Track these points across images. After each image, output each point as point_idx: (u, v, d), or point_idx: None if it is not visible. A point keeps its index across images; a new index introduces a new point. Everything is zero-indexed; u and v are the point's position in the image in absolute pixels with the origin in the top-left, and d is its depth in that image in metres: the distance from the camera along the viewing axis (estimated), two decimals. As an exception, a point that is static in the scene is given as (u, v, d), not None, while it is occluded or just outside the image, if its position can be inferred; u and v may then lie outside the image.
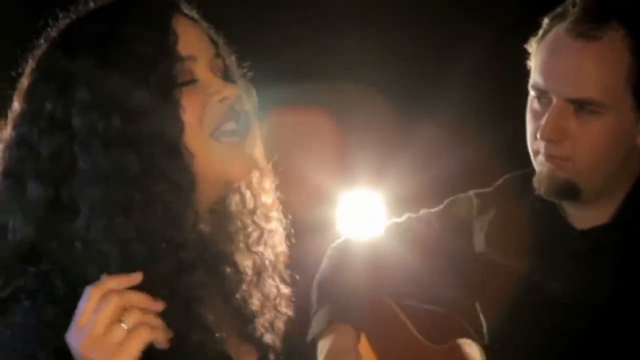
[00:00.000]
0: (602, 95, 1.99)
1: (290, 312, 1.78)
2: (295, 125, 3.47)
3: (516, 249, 2.16)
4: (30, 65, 1.59)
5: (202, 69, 1.58)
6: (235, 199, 1.71)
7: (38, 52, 1.59)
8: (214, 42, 1.65)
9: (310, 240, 3.37)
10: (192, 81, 1.56)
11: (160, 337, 1.42)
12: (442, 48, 2.56)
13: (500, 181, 2.28)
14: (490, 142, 2.79)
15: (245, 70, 1.73)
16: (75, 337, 1.39)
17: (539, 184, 2.07)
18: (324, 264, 2.30)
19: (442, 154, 3.15)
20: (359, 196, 3.56)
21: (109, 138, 1.50)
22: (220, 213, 1.70)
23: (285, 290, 1.77)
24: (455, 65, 3.16)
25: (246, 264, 1.72)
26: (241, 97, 1.62)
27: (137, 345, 1.39)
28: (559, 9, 2.06)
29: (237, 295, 1.71)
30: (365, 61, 3.42)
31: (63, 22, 1.60)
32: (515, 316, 2.13)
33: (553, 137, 2.01)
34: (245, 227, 1.72)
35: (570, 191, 2.05)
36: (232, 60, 1.69)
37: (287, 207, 1.78)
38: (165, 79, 1.53)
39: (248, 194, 1.72)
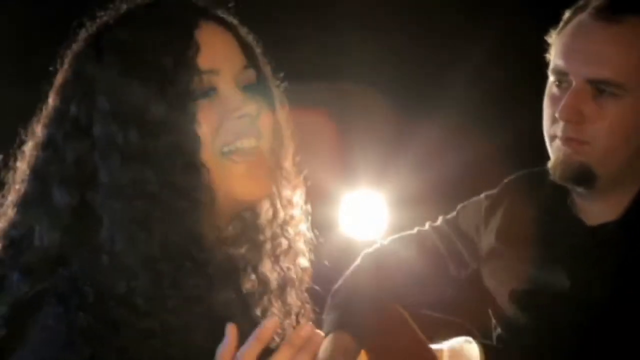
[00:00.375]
0: (621, 76, 2.00)
1: None
2: (297, 126, 3.47)
3: (525, 245, 2.16)
4: (65, 62, 1.57)
5: (224, 82, 1.54)
6: (265, 207, 1.68)
7: (74, 50, 1.57)
8: (246, 51, 1.61)
9: (312, 241, 3.37)
10: (211, 95, 1.53)
11: None
12: (444, 48, 2.56)
13: (508, 179, 2.28)
14: (492, 142, 2.79)
15: (280, 82, 1.72)
16: None
17: (554, 169, 2.07)
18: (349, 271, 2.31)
19: (444, 154, 3.14)
20: (360, 196, 3.56)
21: (127, 151, 1.48)
22: (249, 220, 1.68)
23: (308, 306, 1.76)
24: (457, 65, 3.16)
25: (272, 275, 1.70)
26: (265, 113, 1.58)
27: None
28: (581, 2, 2.09)
29: (259, 308, 1.69)
30: (366, 61, 3.42)
31: (100, 21, 1.58)
32: (524, 313, 2.13)
33: (572, 117, 2.01)
34: (274, 237, 1.69)
35: (585, 176, 2.05)
36: (266, 70, 1.66)
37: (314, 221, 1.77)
38: (183, 92, 1.50)
39: (278, 204, 1.69)
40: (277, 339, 1.65)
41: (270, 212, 1.68)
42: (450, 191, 2.26)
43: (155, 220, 1.47)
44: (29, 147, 1.57)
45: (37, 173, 1.54)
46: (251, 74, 1.59)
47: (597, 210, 2.11)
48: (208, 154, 1.51)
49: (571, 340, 2.06)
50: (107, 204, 1.48)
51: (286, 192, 1.69)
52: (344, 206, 3.57)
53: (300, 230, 1.73)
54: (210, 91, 1.53)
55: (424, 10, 3.17)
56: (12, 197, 1.56)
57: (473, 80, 3.23)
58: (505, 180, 2.29)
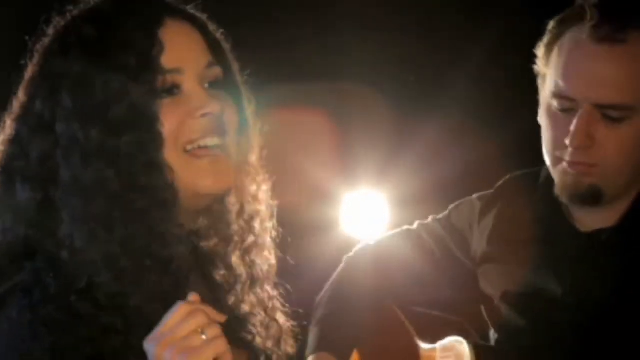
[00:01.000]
0: (630, 99, 1.97)
1: (282, 319, 1.76)
2: (298, 126, 3.47)
3: (518, 249, 2.16)
4: (34, 56, 1.57)
5: (188, 80, 1.54)
6: (232, 202, 1.68)
7: (42, 44, 1.58)
8: (213, 48, 1.61)
9: (314, 240, 3.38)
10: (175, 93, 1.53)
11: (228, 355, 1.45)
12: (444, 48, 2.56)
13: (502, 182, 2.27)
14: (493, 142, 2.79)
15: (246, 78, 1.70)
16: (153, 339, 1.42)
17: (562, 191, 2.05)
18: (334, 276, 2.29)
19: (445, 154, 3.14)
20: (362, 196, 3.56)
21: (88, 149, 1.48)
22: (218, 214, 1.68)
23: (277, 296, 1.76)
24: (457, 65, 3.16)
25: (240, 269, 1.70)
26: (229, 111, 1.58)
27: (211, 353, 1.42)
28: (568, 12, 2.03)
29: (231, 298, 1.70)
30: (367, 61, 3.41)
31: (69, 16, 1.58)
32: (518, 316, 2.13)
33: (583, 144, 1.98)
34: (242, 231, 1.70)
35: (594, 196, 2.03)
36: (234, 67, 1.65)
37: (283, 214, 1.76)
38: (146, 92, 1.50)
39: (245, 199, 1.69)
40: (249, 337, 1.69)
41: (237, 207, 1.68)
42: (451, 191, 2.26)
43: (116, 219, 1.48)
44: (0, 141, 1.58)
45: (3, 168, 1.55)
46: (217, 71, 1.59)
47: (592, 217, 2.10)
48: (171, 152, 1.52)
49: (565, 343, 2.05)
50: (68, 201, 1.49)
51: (252, 188, 1.69)
52: (345, 206, 3.57)
53: (266, 226, 1.72)
54: (173, 89, 1.53)
55: (424, 11, 3.17)
56: None
57: (473, 80, 3.23)
58: (499, 183, 2.27)
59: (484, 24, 2.82)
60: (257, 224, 1.71)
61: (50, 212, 1.50)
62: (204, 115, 1.53)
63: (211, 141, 1.55)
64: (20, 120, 1.55)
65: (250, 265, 1.71)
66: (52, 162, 1.50)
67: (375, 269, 2.25)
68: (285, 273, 2.37)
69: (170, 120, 1.52)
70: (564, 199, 2.06)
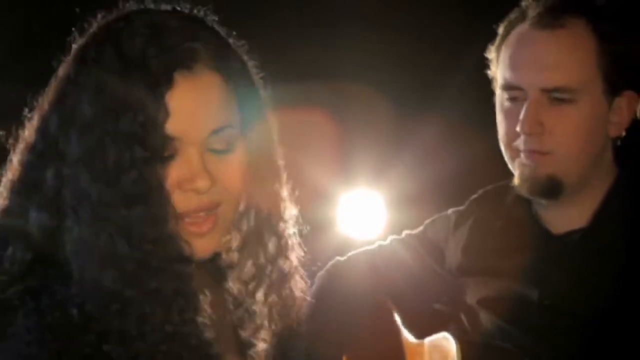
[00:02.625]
0: (574, 81, 2.02)
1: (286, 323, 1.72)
2: (294, 125, 3.46)
3: (493, 257, 2.17)
4: (55, 79, 1.53)
5: (186, 147, 1.47)
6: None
7: (60, 75, 1.52)
8: (235, 94, 1.52)
9: (310, 240, 3.37)
10: (172, 156, 1.47)
11: None
12: (443, 47, 2.56)
13: (476, 195, 2.30)
14: (491, 142, 2.78)
15: (273, 127, 1.63)
16: None
17: (520, 185, 2.08)
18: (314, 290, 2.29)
19: (442, 154, 3.14)
20: (358, 196, 3.56)
21: (99, 212, 1.43)
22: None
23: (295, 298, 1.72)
24: (456, 65, 3.15)
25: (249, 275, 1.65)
26: (229, 174, 1.51)
27: None
28: (513, 14, 2.11)
29: (242, 308, 1.66)
30: (364, 61, 3.41)
31: (90, 52, 1.50)
32: (496, 321, 2.13)
33: (534, 129, 2.02)
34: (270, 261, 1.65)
35: (553, 187, 2.05)
36: (254, 122, 1.57)
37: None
38: (151, 160, 1.44)
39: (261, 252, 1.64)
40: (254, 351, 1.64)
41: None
42: (449, 191, 2.26)
43: (130, 298, 1.43)
44: (18, 149, 1.54)
45: (18, 188, 1.51)
46: (228, 133, 1.50)
47: (563, 218, 2.11)
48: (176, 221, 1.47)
49: (543, 346, 2.05)
50: (75, 258, 1.44)
51: (273, 239, 1.63)
52: (342, 206, 3.57)
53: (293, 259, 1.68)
54: (171, 155, 1.47)
55: (422, 10, 3.17)
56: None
57: (471, 80, 3.22)
58: (472, 197, 2.29)
59: (482, 24, 2.83)
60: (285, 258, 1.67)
61: (62, 245, 1.46)
62: (191, 190, 1.47)
63: (194, 214, 1.49)
64: (41, 131, 1.51)
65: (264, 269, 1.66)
66: (63, 202, 1.46)
67: (352, 286, 2.24)
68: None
69: (169, 184, 1.47)
70: (524, 192, 2.08)
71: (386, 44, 3.35)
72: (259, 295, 1.64)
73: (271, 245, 1.63)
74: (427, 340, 2.12)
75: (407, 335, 2.14)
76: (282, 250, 1.64)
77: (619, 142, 2.13)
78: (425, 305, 2.23)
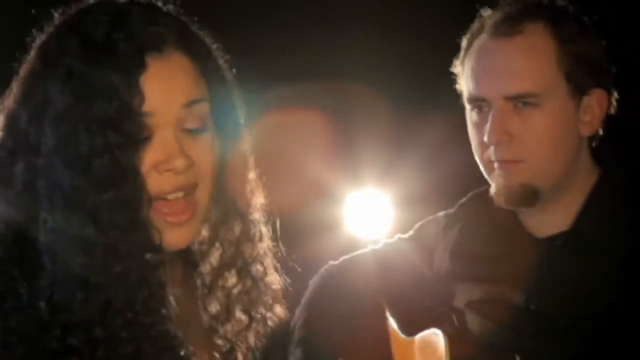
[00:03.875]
0: (536, 85, 2.01)
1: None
2: (301, 125, 3.46)
3: (479, 262, 2.17)
4: (25, 62, 1.52)
5: (160, 126, 1.47)
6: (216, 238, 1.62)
7: (29, 63, 1.51)
8: (204, 76, 1.52)
9: (317, 240, 3.37)
10: (148, 139, 1.46)
11: None
12: (449, 46, 2.54)
13: (464, 199, 2.29)
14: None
15: (238, 105, 1.61)
16: None
17: (497, 195, 2.08)
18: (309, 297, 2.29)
19: (449, 153, 3.13)
20: (365, 196, 3.55)
21: (72, 198, 1.43)
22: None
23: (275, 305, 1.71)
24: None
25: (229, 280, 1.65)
26: (204, 157, 1.51)
27: None
28: (473, 27, 2.11)
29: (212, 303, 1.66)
30: (371, 60, 3.41)
31: (57, 37, 1.50)
32: (483, 324, 2.13)
33: (500, 138, 2.02)
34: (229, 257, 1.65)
35: (529, 195, 2.05)
36: (227, 95, 1.57)
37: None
38: (127, 145, 1.43)
39: (230, 241, 1.63)
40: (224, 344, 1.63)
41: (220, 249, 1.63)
42: (455, 190, 2.26)
43: (96, 284, 1.43)
44: None
45: None
46: (199, 108, 1.51)
47: (546, 222, 2.11)
48: (150, 206, 1.47)
49: (528, 349, 2.04)
50: (48, 248, 1.44)
51: (238, 226, 1.62)
52: (349, 205, 3.56)
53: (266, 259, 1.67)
54: (145, 137, 1.46)
55: (428, 9, 3.16)
56: None
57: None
58: (460, 201, 2.29)
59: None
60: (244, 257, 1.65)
61: (29, 246, 1.45)
62: (168, 170, 1.47)
63: (173, 196, 1.49)
64: (8, 128, 1.50)
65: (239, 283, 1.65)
66: (35, 193, 1.46)
67: (345, 288, 2.26)
68: (287, 273, 2.38)
69: (144, 167, 1.46)
70: (501, 203, 2.08)
71: (392, 44, 3.35)
72: (229, 282, 1.63)
73: (237, 231, 1.62)
74: (418, 336, 2.13)
75: (399, 333, 2.15)
76: (249, 237, 1.63)
77: (595, 142, 2.12)
78: (416, 306, 2.24)
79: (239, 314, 1.64)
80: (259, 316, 1.66)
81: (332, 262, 2.33)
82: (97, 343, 1.41)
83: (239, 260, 1.63)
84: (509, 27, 2.04)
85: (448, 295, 2.22)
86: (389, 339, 2.16)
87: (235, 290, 1.63)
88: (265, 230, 1.66)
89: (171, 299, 1.52)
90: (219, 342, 1.64)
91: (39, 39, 1.51)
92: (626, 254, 2.02)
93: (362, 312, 2.19)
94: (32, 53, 1.51)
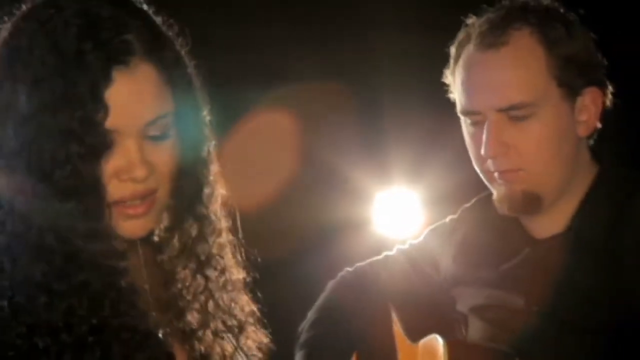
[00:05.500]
0: (529, 95, 1.98)
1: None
2: (330, 124, 3.46)
3: (481, 266, 2.16)
4: None
5: (125, 137, 1.47)
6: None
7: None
8: (171, 83, 1.51)
9: (346, 239, 3.37)
10: (110, 149, 1.46)
11: None
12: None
13: (469, 204, 2.29)
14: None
15: (208, 115, 1.61)
16: None
17: (500, 204, 2.06)
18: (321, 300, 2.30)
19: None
20: (394, 194, 3.54)
21: (32, 205, 1.43)
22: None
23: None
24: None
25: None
26: (165, 161, 1.51)
27: None
28: (461, 34, 2.09)
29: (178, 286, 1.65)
30: (402, 58, 3.40)
31: (24, 39, 1.48)
32: (484, 327, 2.12)
33: (497, 151, 2.00)
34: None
35: (531, 202, 2.03)
36: (186, 103, 1.55)
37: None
38: (91, 155, 1.43)
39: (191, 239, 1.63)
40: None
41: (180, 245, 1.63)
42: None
43: (57, 292, 1.43)
44: None
45: None
46: (165, 121, 1.50)
47: (545, 223, 2.08)
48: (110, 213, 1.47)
49: (535, 351, 2.02)
50: (6, 250, 1.44)
51: (196, 228, 1.62)
52: (378, 204, 3.55)
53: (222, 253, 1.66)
54: (110, 148, 1.46)
55: (461, 8, 3.15)
56: None
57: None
58: (466, 205, 2.29)
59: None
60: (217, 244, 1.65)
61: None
62: (128, 179, 1.48)
63: (131, 202, 1.49)
64: None
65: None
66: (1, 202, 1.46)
67: (358, 294, 2.26)
68: (317, 271, 2.37)
69: (106, 174, 1.46)
70: (504, 210, 2.06)
71: (422, 42, 3.33)
72: (186, 272, 1.63)
73: (194, 230, 1.62)
74: (421, 342, 2.13)
75: (405, 339, 2.16)
76: (205, 233, 1.63)
77: (592, 140, 2.10)
78: (424, 312, 2.24)
79: (195, 299, 1.64)
80: (218, 308, 1.65)
81: (347, 268, 2.33)
82: (63, 347, 1.41)
83: (193, 256, 1.63)
84: (494, 37, 2.01)
85: (453, 301, 2.22)
86: (396, 345, 2.16)
87: (189, 273, 1.63)
88: (225, 224, 1.66)
89: (144, 293, 1.54)
90: (188, 326, 1.64)
91: (6, 28, 1.50)
92: (623, 252, 2.00)
93: (371, 317, 2.19)
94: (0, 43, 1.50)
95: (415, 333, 2.14)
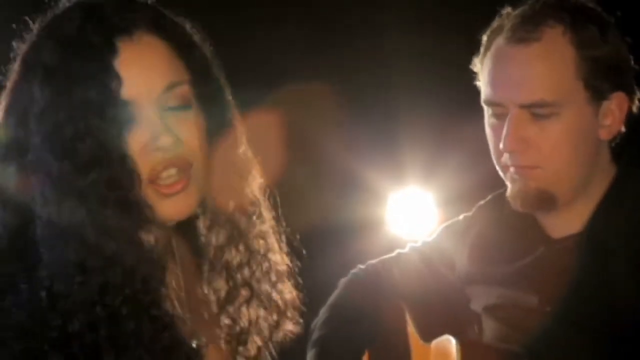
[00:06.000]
0: (553, 94, 1.97)
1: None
2: (344, 124, 3.46)
3: (495, 265, 2.15)
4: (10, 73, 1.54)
5: (143, 109, 1.48)
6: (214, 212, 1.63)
7: (14, 66, 1.53)
8: (181, 58, 1.53)
9: (360, 239, 3.36)
10: (132, 123, 1.47)
11: None
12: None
13: (483, 201, 2.27)
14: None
15: (228, 85, 1.61)
16: None
17: (513, 199, 2.05)
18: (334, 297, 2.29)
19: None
20: (408, 195, 3.54)
21: (60, 187, 1.44)
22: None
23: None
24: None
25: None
26: (192, 134, 1.51)
27: None
28: (494, 24, 2.07)
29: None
30: (415, 58, 3.39)
31: (36, 33, 1.53)
32: (498, 327, 2.11)
33: (515, 147, 1.99)
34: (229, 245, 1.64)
35: (545, 200, 2.02)
36: (208, 74, 1.57)
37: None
38: (110, 127, 1.45)
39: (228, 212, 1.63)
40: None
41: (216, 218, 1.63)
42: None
43: (91, 268, 1.43)
44: None
45: None
46: (180, 90, 1.51)
47: (562, 222, 2.07)
48: (141, 186, 1.47)
49: (547, 351, 2.02)
50: (45, 240, 1.45)
51: (237, 199, 1.62)
52: (392, 205, 3.55)
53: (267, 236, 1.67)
54: (130, 120, 1.47)
55: (472, 10, 3.15)
56: None
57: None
58: (480, 202, 2.27)
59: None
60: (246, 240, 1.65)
61: (28, 243, 1.46)
62: (156, 150, 1.48)
63: (166, 173, 1.49)
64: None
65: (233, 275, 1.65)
66: (29, 191, 1.47)
67: (371, 291, 2.25)
68: (332, 271, 2.37)
69: (134, 152, 1.47)
70: (517, 206, 2.05)
71: (437, 44, 3.33)
72: (229, 257, 1.63)
73: (231, 206, 1.62)
74: (434, 342, 2.12)
75: (418, 338, 2.16)
76: (244, 212, 1.63)
77: (614, 143, 2.08)
78: (437, 312, 2.23)
79: (241, 288, 1.64)
80: (261, 290, 1.65)
81: (360, 265, 2.32)
82: (97, 324, 1.41)
83: (235, 233, 1.63)
84: (526, 32, 1.99)
85: (467, 300, 2.21)
86: (409, 344, 2.15)
87: (234, 262, 1.63)
88: (266, 210, 1.67)
89: (173, 280, 1.54)
90: (226, 321, 1.64)
91: (20, 48, 1.54)
92: (639, 255, 1.99)
93: (383, 316, 2.18)
94: (16, 63, 1.53)
95: (428, 333, 2.14)
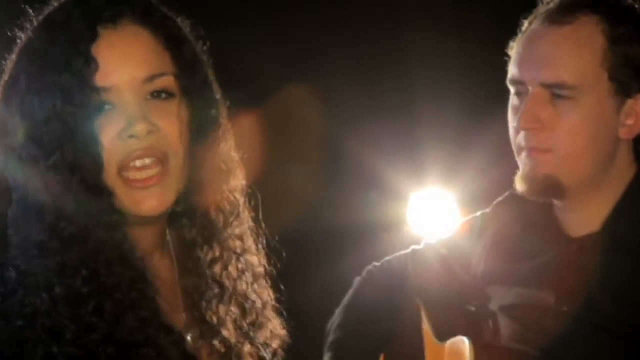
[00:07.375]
0: (575, 77, 1.96)
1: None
2: (367, 124, 3.46)
3: (513, 263, 2.13)
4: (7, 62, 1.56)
5: (119, 97, 1.48)
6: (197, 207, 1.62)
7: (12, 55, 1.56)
8: (167, 49, 1.53)
9: (381, 239, 3.37)
10: (107, 110, 1.48)
11: None
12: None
13: (500, 198, 2.25)
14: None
15: (213, 78, 1.60)
16: None
17: (520, 184, 2.03)
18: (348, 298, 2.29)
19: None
20: (429, 195, 3.54)
21: (30, 171, 1.46)
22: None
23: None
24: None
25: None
26: (170, 125, 1.51)
27: None
28: (535, 11, 2.06)
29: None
30: (437, 59, 3.40)
31: (32, 21, 1.55)
32: (514, 327, 2.10)
33: (530, 124, 1.98)
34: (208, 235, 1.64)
35: (552, 187, 2.01)
36: (192, 67, 1.56)
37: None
38: (80, 112, 1.46)
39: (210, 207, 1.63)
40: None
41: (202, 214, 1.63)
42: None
43: (52, 249, 1.45)
44: None
45: None
46: (161, 82, 1.51)
47: (581, 221, 2.06)
48: (107, 173, 1.48)
49: (564, 351, 2.01)
50: (13, 223, 1.47)
51: (216, 194, 1.62)
52: (413, 204, 3.55)
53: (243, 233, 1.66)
54: (104, 106, 1.48)
55: (493, 10, 3.15)
56: None
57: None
58: (496, 200, 2.25)
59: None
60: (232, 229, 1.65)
61: (4, 228, 1.49)
62: (130, 137, 1.48)
63: (140, 162, 1.49)
64: None
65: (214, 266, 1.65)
66: (6, 177, 1.50)
67: (386, 290, 2.25)
68: (352, 271, 2.38)
69: (105, 139, 1.47)
70: (523, 191, 2.03)
71: (458, 44, 3.33)
72: (201, 253, 1.63)
73: (208, 203, 1.62)
74: (448, 342, 2.12)
75: (432, 337, 2.15)
76: (221, 209, 1.63)
77: (637, 141, 2.07)
78: (452, 311, 2.22)
79: (212, 284, 1.63)
80: (235, 289, 1.65)
81: (374, 263, 2.33)
82: (56, 300, 1.43)
83: (209, 231, 1.63)
84: (561, 15, 2.00)
85: (484, 299, 2.20)
86: (424, 344, 2.15)
87: (207, 259, 1.63)
88: (245, 212, 1.65)
89: (162, 271, 1.55)
90: (196, 314, 1.64)
91: (19, 45, 1.56)
92: None
93: (399, 314, 2.19)
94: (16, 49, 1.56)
95: (443, 332, 2.14)
